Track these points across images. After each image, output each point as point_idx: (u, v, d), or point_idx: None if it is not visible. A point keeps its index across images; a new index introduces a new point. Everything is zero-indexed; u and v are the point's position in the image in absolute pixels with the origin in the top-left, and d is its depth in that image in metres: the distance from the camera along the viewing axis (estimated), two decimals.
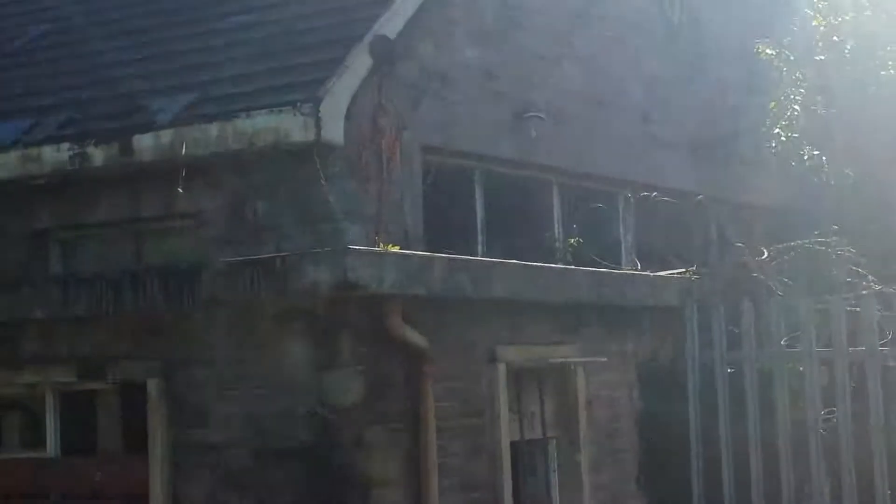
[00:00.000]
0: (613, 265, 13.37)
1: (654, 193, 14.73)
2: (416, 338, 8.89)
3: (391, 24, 11.21)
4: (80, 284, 9.55)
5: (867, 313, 10.53)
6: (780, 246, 12.19)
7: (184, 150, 10.69)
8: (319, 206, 10.48)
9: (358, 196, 10.78)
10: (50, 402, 9.91)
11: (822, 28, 15.17)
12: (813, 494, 10.77)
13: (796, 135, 14.89)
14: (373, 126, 10.91)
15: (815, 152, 14.68)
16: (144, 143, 10.93)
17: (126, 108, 11.64)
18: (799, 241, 12.01)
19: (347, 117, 10.52)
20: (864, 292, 10.90)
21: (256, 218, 10.80)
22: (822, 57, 14.92)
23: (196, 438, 9.19)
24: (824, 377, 10.77)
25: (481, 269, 9.86)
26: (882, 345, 10.51)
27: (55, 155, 11.30)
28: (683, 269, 12.26)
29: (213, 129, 10.63)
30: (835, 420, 10.66)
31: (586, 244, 13.28)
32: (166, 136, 10.84)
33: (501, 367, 9.90)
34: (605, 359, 11.01)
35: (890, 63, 14.57)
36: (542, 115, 13.09)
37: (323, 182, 10.39)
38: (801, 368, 10.75)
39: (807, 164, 14.77)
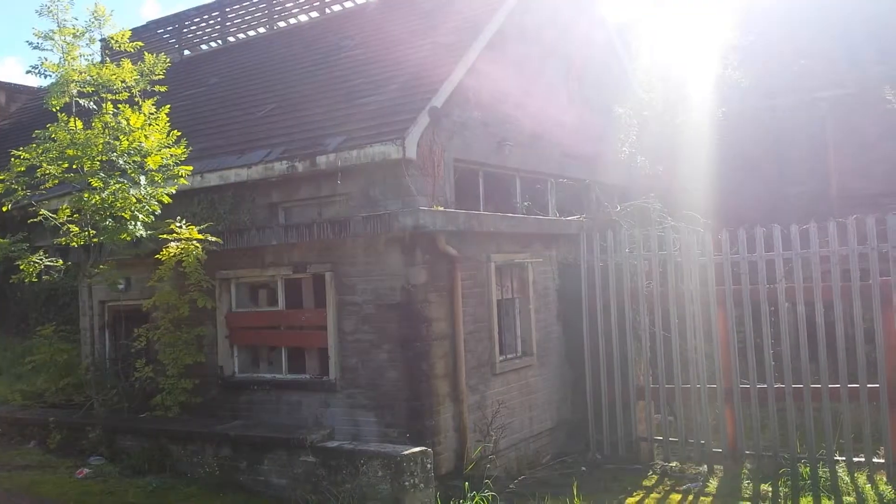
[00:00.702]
0: (545, 215, 13.56)
1: (564, 180, 14.98)
2: (451, 250, 8.95)
3: (438, 100, 11.47)
4: (292, 228, 9.64)
5: (667, 236, 10.41)
6: (625, 204, 12.06)
7: (339, 164, 11.14)
8: (404, 189, 10.95)
9: (423, 184, 11.13)
10: (280, 284, 9.95)
11: (644, 96, 14.96)
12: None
13: (633, 150, 14.74)
14: (430, 150, 11.30)
15: (642, 158, 14.53)
16: (321, 160, 11.33)
17: (312, 143, 11.87)
18: (634, 202, 11.86)
19: (418, 146, 10.90)
20: (665, 226, 10.73)
21: (374, 195, 11.24)
22: (646, 112, 14.70)
23: (348, 300, 9.24)
24: (647, 267, 10.55)
25: (482, 217, 9.84)
26: (676, 251, 10.23)
27: (279, 166, 11.72)
28: (579, 216, 12.09)
29: (354, 152, 11.00)
30: (649, 284, 10.46)
31: (532, 206, 13.50)
32: (332, 156, 11.24)
33: (492, 265, 9.88)
34: (541, 259, 11.01)
35: (678, 113, 14.37)
36: (510, 143, 13.21)
37: (406, 177, 11.08)
38: (635, 263, 10.59)
39: (639, 163, 14.61)
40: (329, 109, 12.97)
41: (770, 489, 8.84)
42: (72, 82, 10.52)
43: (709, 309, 9.98)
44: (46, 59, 10.79)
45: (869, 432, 8.92)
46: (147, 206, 9.91)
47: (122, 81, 10.62)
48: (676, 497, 8.98)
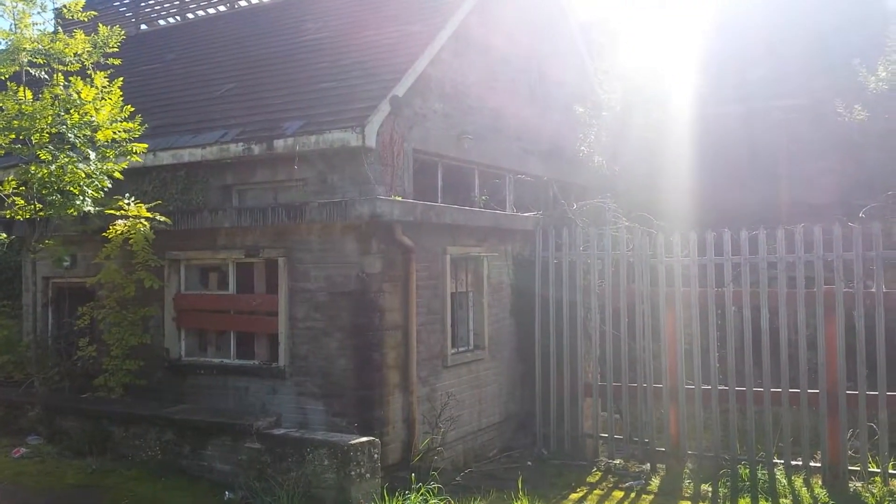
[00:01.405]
0: (503, 210, 13.55)
1: (522, 176, 14.97)
2: (407, 241, 8.91)
3: (399, 89, 11.42)
4: (246, 211, 9.52)
5: (620, 236, 10.45)
6: (581, 202, 12.06)
7: (297, 149, 11.06)
8: (363, 177, 10.96)
9: (381, 173, 11.09)
10: (231, 267, 9.79)
11: (604, 96, 14.97)
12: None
13: (591, 149, 14.74)
14: (390, 139, 11.26)
15: (599, 157, 14.55)
16: (279, 144, 11.22)
17: (270, 126, 11.74)
18: (590, 200, 11.96)
19: (377, 134, 10.87)
20: (619, 225, 10.75)
21: (332, 182, 11.20)
22: (605, 112, 14.72)
23: (301, 287, 9.14)
24: (600, 266, 10.59)
25: (439, 209, 9.81)
26: (629, 251, 10.31)
27: (235, 148, 11.58)
28: (536, 212, 12.08)
29: (313, 138, 10.93)
30: (602, 283, 10.55)
31: (490, 200, 13.63)
32: (290, 141, 11.15)
33: (448, 257, 9.86)
34: (496, 254, 10.99)
35: (636, 114, 14.32)
36: (470, 137, 13.21)
37: (365, 166, 11.02)
38: (588, 261, 10.62)
39: (596, 163, 14.60)
40: (289, 92, 12.81)
41: (710, 489, 8.97)
42: (22, 51, 10.15)
43: (658, 310, 10.09)
44: None
45: (807, 437, 9.11)
46: (96, 182, 9.64)
47: (74, 54, 10.30)
48: (619, 494, 9.08)
